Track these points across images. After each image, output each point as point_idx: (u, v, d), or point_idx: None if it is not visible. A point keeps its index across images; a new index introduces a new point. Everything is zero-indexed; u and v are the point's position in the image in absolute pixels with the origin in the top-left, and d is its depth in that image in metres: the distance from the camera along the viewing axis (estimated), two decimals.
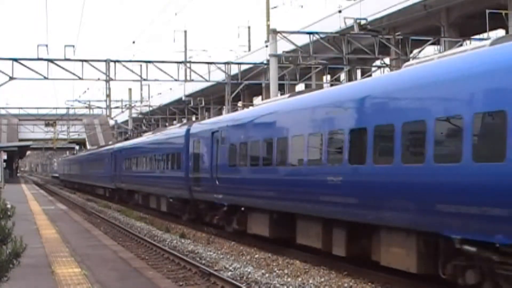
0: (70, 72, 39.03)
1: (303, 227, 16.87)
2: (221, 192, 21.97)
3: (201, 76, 42.88)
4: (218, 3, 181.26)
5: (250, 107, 21.84)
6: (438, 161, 11.25)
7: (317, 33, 35.82)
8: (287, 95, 20.15)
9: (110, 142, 60.21)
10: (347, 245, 14.82)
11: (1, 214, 7.65)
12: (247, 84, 48.27)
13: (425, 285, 12.92)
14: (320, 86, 45.16)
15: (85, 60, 39.59)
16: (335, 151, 14.76)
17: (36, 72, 38.51)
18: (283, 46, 36.02)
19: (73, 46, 38.63)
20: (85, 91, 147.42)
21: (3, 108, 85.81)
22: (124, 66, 40.62)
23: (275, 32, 33.67)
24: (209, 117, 43.77)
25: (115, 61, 40.45)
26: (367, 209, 13.47)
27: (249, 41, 72.35)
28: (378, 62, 40.32)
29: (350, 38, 35.02)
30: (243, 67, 45.44)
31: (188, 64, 42.95)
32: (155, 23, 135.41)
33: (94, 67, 40.08)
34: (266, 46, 39.60)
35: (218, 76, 47.00)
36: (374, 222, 13.39)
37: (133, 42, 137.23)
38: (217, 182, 22.24)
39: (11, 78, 38.03)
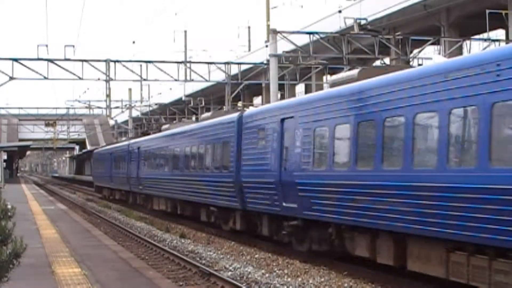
0: (70, 72, 39.10)
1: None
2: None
3: (201, 76, 42.89)
4: (218, 3, 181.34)
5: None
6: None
7: (317, 33, 35.82)
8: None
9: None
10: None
11: (1, 215, 7.66)
12: (247, 84, 48.29)
13: (425, 285, 12.93)
14: (320, 87, 45.17)
15: (85, 60, 39.63)
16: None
17: (36, 72, 38.57)
18: (283, 46, 36.02)
19: (73, 46, 38.72)
20: (85, 91, 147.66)
21: (3, 108, 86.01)
22: (124, 66, 40.66)
23: (275, 32, 33.66)
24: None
25: (115, 61, 40.48)
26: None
27: (249, 41, 72.46)
28: (378, 62, 40.33)
29: (350, 38, 35.00)
30: (243, 67, 45.46)
31: (188, 64, 42.97)
32: (155, 23, 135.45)
33: (94, 67, 40.13)
34: (266, 46, 39.60)
35: (218, 76, 47.02)
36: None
37: (133, 42, 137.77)
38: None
39: (11, 78, 38.07)
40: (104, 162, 49.05)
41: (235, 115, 21.28)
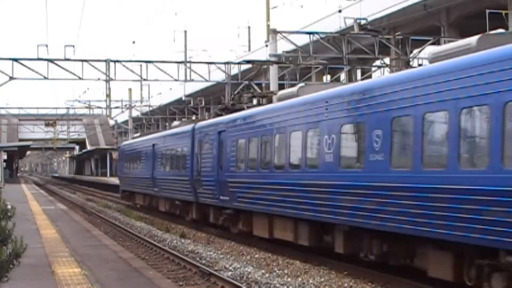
0: (70, 72, 39.03)
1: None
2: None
3: (201, 76, 42.88)
4: (218, 3, 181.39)
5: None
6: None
7: (317, 33, 35.81)
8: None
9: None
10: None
11: (1, 215, 7.67)
12: (247, 84, 48.24)
13: (425, 285, 12.93)
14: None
15: (85, 60, 39.58)
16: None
17: (36, 72, 38.51)
18: (283, 46, 36.02)
19: (73, 46, 38.67)
20: (85, 91, 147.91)
21: (3, 108, 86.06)
22: (124, 66, 40.62)
23: (275, 32, 33.67)
24: (209, 117, 38.67)
25: (115, 61, 40.43)
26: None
27: (249, 41, 72.49)
28: (378, 62, 40.35)
29: (350, 38, 35.00)
30: (243, 67, 45.43)
31: (188, 64, 42.95)
32: (155, 23, 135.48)
33: (94, 67, 40.08)
34: (266, 46, 39.59)
35: (218, 76, 47.00)
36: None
37: (133, 42, 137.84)
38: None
39: (11, 78, 38.02)
40: (139, 159, 35.72)
41: None
